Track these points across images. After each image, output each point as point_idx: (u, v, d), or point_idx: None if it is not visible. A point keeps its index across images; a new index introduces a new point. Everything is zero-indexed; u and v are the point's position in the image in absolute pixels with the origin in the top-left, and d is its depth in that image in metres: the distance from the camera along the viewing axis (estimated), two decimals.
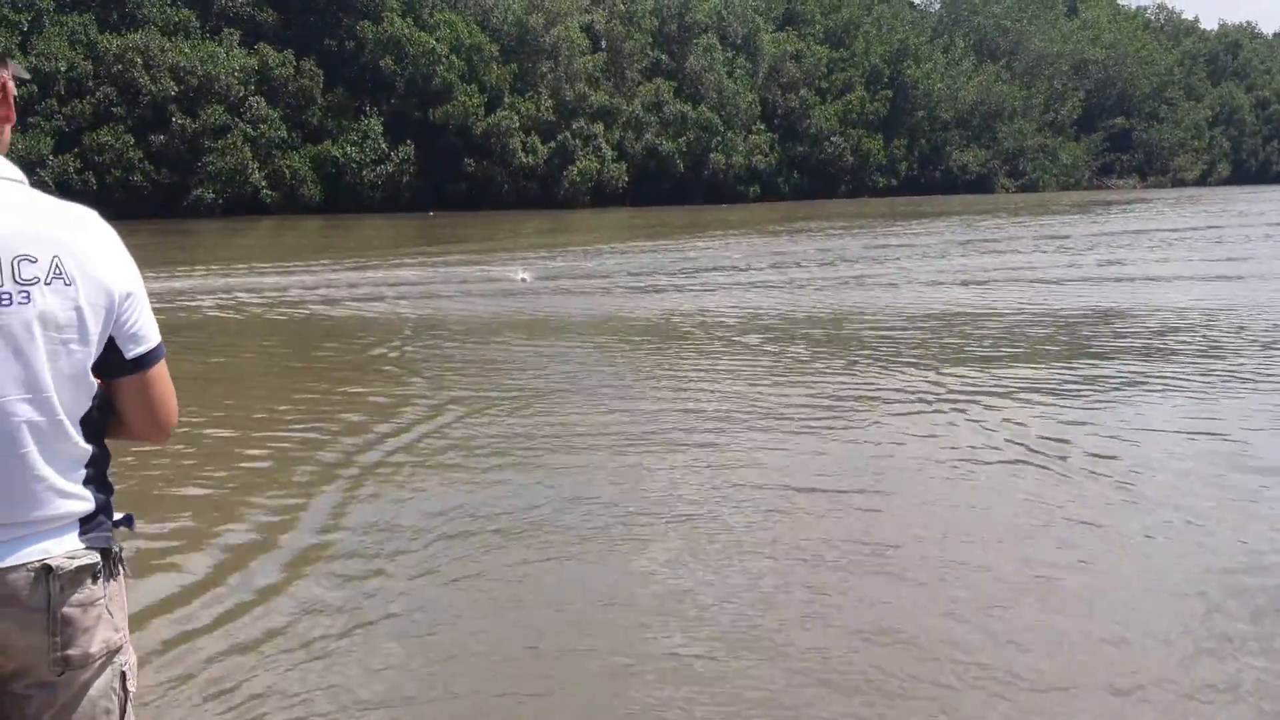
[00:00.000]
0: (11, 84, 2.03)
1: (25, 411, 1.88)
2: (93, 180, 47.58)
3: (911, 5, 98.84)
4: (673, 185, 67.27)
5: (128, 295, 1.97)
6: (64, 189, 46.38)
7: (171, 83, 49.40)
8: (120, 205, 48.30)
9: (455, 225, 44.63)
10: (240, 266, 24.57)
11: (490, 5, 63.54)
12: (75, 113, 47.52)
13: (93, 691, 1.99)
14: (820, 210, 55.80)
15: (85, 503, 1.98)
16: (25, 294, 1.85)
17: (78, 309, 1.90)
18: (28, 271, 1.86)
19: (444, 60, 58.12)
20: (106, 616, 2.00)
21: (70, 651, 1.94)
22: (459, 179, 59.58)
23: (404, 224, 46.20)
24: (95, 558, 1.98)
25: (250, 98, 53.14)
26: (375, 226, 44.42)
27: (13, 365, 1.86)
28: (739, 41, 74.21)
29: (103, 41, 48.73)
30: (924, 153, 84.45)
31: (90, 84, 48.06)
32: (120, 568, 2.06)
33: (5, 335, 1.85)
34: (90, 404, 1.97)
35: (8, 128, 2.05)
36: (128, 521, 2.11)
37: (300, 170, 54.32)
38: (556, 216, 53.37)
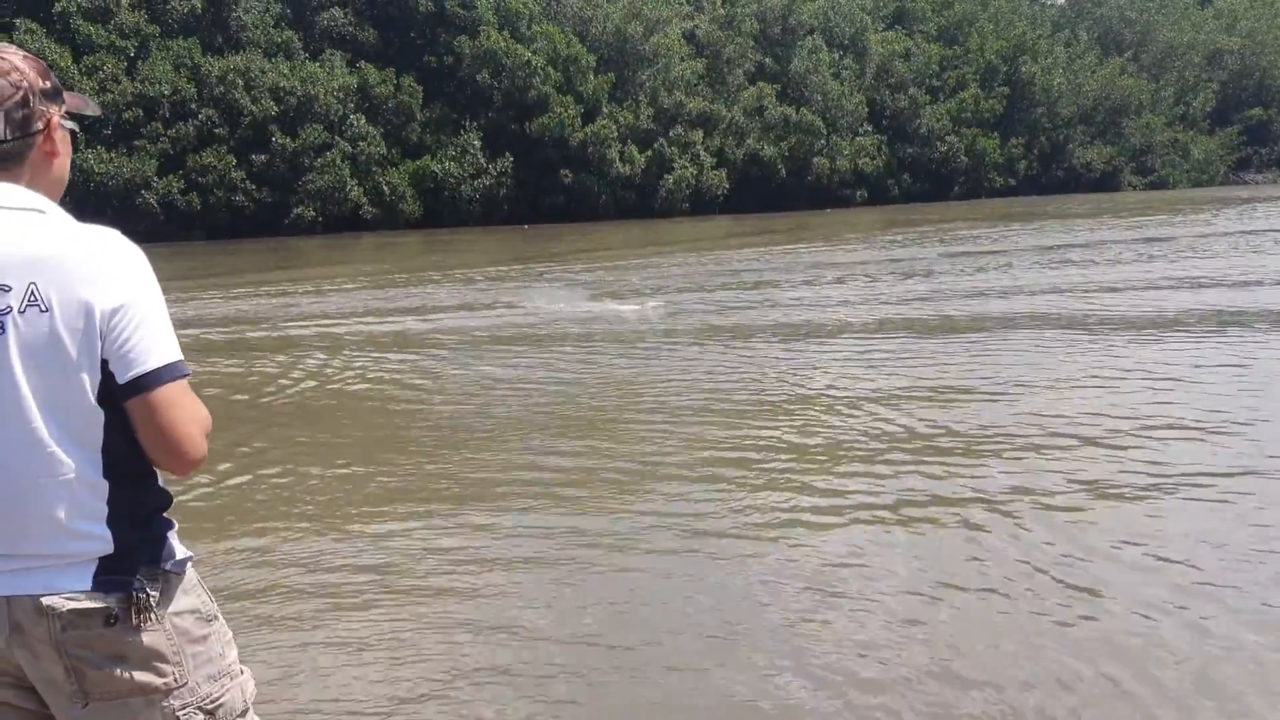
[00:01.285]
0: (59, 119, 2.04)
1: (14, 445, 1.85)
2: (196, 201, 48.65)
3: None
4: (774, 191, 65.83)
5: (114, 311, 1.88)
6: (169, 210, 47.82)
7: (272, 103, 50.24)
8: (224, 225, 49.57)
9: (549, 239, 44.18)
10: (335, 308, 24.32)
11: (589, 16, 63.25)
12: (179, 135, 48.64)
13: None
14: (952, 212, 53.59)
15: (98, 543, 1.92)
16: (0, 325, 1.84)
17: (54, 335, 1.86)
18: (2, 302, 1.85)
19: (540, 72, 57.96)
20: (142, 663, 1.96)
21: (87, 687, 1.94)
22: (556, 191, 59.32)
23: (502, 238, 45.98)
24: (105, 603, 1.92)
25: (350, 116, 53.80)
26: (472, 241, 44.22)
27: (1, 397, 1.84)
28: (846, 42, 72.30)
29: (205, 64, 49.82)
30: (1044, 151, 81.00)
31: (193, 106, 49.14)
32: (154, 615, 1.96)
33: None
34: (102, 434, 1.91)
35: (57, 161, 2.07)
36: (174, 565, 2.02)
37: (399, 186, 54.74)
38: (653, 226, 52.57)
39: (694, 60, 64.97)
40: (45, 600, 1.89)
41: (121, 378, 1.91)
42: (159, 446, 1.95)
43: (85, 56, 47.48)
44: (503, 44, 57.68)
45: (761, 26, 69.57)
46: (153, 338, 1.94)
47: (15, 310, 1.86)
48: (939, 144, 73.16)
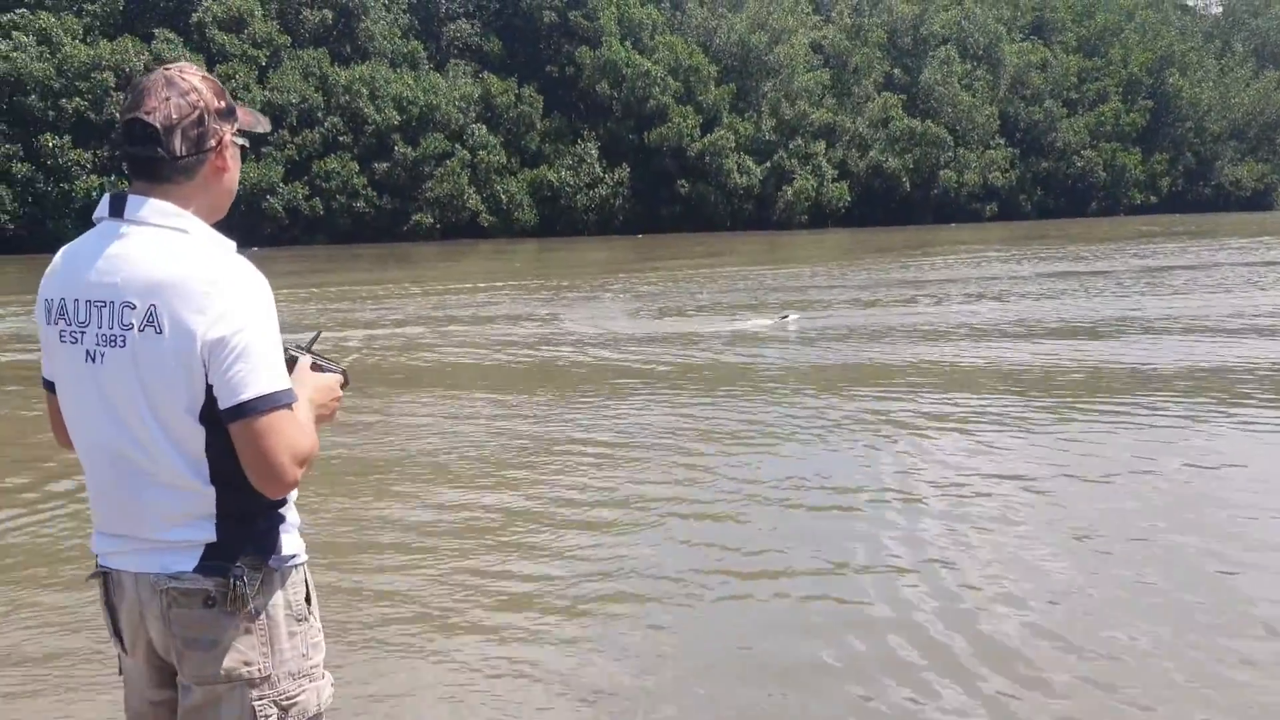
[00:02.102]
0: (231, 137, 2.16)
1: (131, 444, 2.07)
2: (319, 206, 49.92)
3: (1184, 9, 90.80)
4: (898, 204, 64.25)
5: (218, 342, 2.00)
6: (293, 215, 49.15)
7: (394, 112, 51.26)
8: (344, 230, 50.74)
9: (666, 246, 43.81)
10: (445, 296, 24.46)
11: (714, 26, 62.87)
12: (305, 142, 49.99)
13: (221, 712, 2.14)
14: (1095, 230, 51.34)
15: (204, 534, 2.10)
16: (123, 338, 2.04)
17: (166, 357, 2.02)
18: (128, 318, 2.03)
19: (660, 82, 57.79)
20: (231, 648, 2.11)
21: (184, 665, 2.13)
22: (673, 201, 59.04)
23: (617, 246, 45.85)
24: (204, 585, 2.09)
25: (470, 125, 54.52)
26: (586, 249, 44.19)
27: (119, 401, 2.06)
28: (980, 53, 70.14)
29: (333, 74, 51.13)
30: (1189, 168, 77.12)
31: (319, 115, 50.46)
32: (249, 604, 2.11)
33: (113, 372, 2.06)
34: (205, 447, 2.07)
35: (225, 177, 2.17)
36: (275, 559, 2.15)
37: (516, 195, 55.22)
38: (771, 238, 51.77)
39: (818, 71, 63.85)
40: (153, 577, 2.12)
41: (223, 404, 2.03)
42: (252, 469, 2.06)
43: (219, 65, 49.15)
44: (623, 54, 57.73)
45: (891, 37, 68.07)
46: (253, 369, 2.03)
47: (136, 328, 2.03)
48: (1075, 158, 70.39)
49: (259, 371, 2.04)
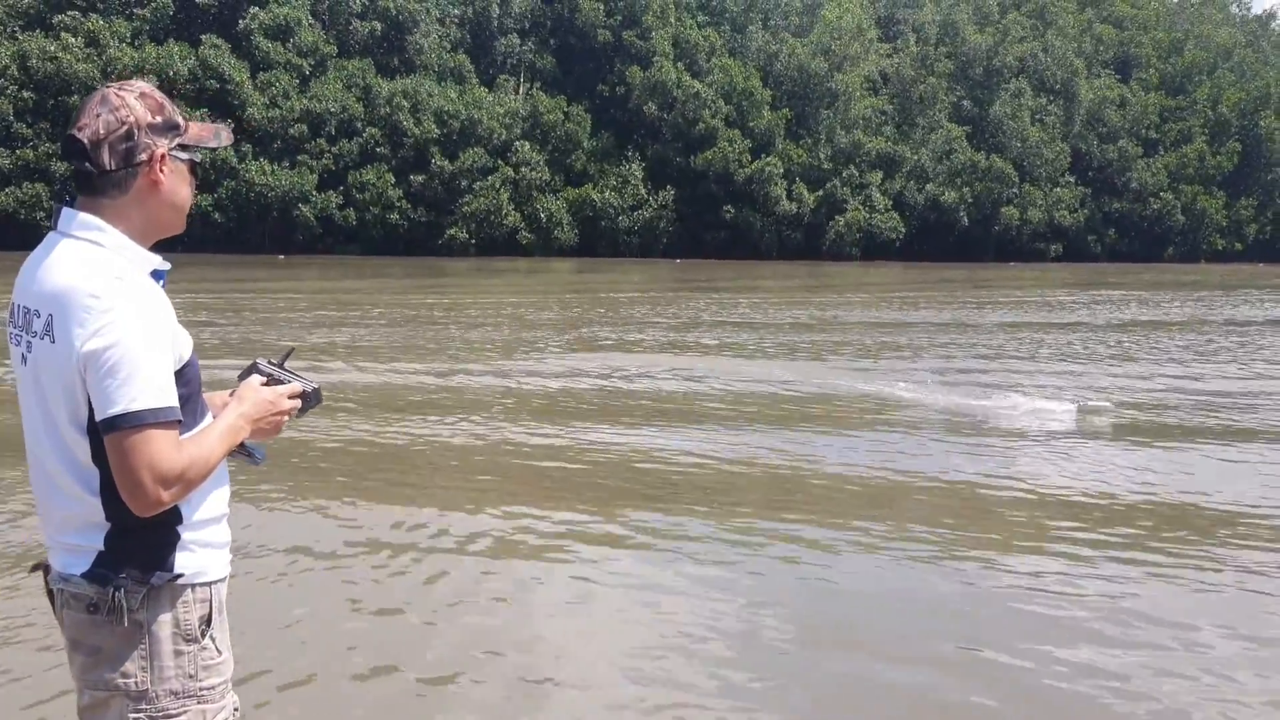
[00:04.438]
0: (168, 152, 2.16)
1: (39, 446, 2.14)
2: (353, 216, 49.83)
3: None
4: (957, 240, 61.96)
5: (93, 354, 2.01)
6: (326, 224, 49.08)
7: (434, 126, 50.98)
8: (378, 241, 50.59)
9: (709, 272, 42.60)
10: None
11: (775, 51, 61.56)
12: (342, 152, 49.99)
13: (105, 719, 2.16)
14: (1167, 275, 48.64)
15: (95, 542, 2.12)
16: (29, 345, 2.11)
17: (57, 366, 2.06)
18: (35, 325, 2.09)
19: (710, 105, 56.68)
20: (111, 659, 2.11)
21: (74, 669, 2.17)
22: (719, 226, 57.78)
23: (658, 270, 44.83)
24: (88, 591, 2.11)
25: (515, 141, 54.04)
26: (626, 270, 43.19)
27: (32, 406, 2.14)
28: (1057, 86, 67.45)
29: (376, 85, 51.12)
30: (1279, 214, 73.09)
31: (359, 125, 50.45)
32: (126, 617, 2.10)
33: (27, 376, 2.14)
34: (90, 457, 2.08)
35: (161, 190, 2.17)
36: (156, 577, 2.13)
37: (557, 213, 54.53)
38: (817, 269, 50.15)
39: (876, 98, 62.03)
40: (54, 576, 2.17)
41: (97, 416, 2.03)
42: (118, 485, 2.05)
43: (261, 73, 49.53)
44: (674, 75, 56.76)
45: (963, 67, 65.91)
46: (122, 385, 2.01)
47: (38, 336, 2.08)
48: (1152, 200, 67.13)
49: (128, 388, 2.01)
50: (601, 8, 58.24)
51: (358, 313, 20.99)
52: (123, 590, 2.10)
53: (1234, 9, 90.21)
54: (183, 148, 2.21)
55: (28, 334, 2.11)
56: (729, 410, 10.71)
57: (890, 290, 33.95)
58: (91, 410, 2.04)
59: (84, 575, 2.11)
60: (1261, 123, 71.48)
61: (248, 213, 48.20)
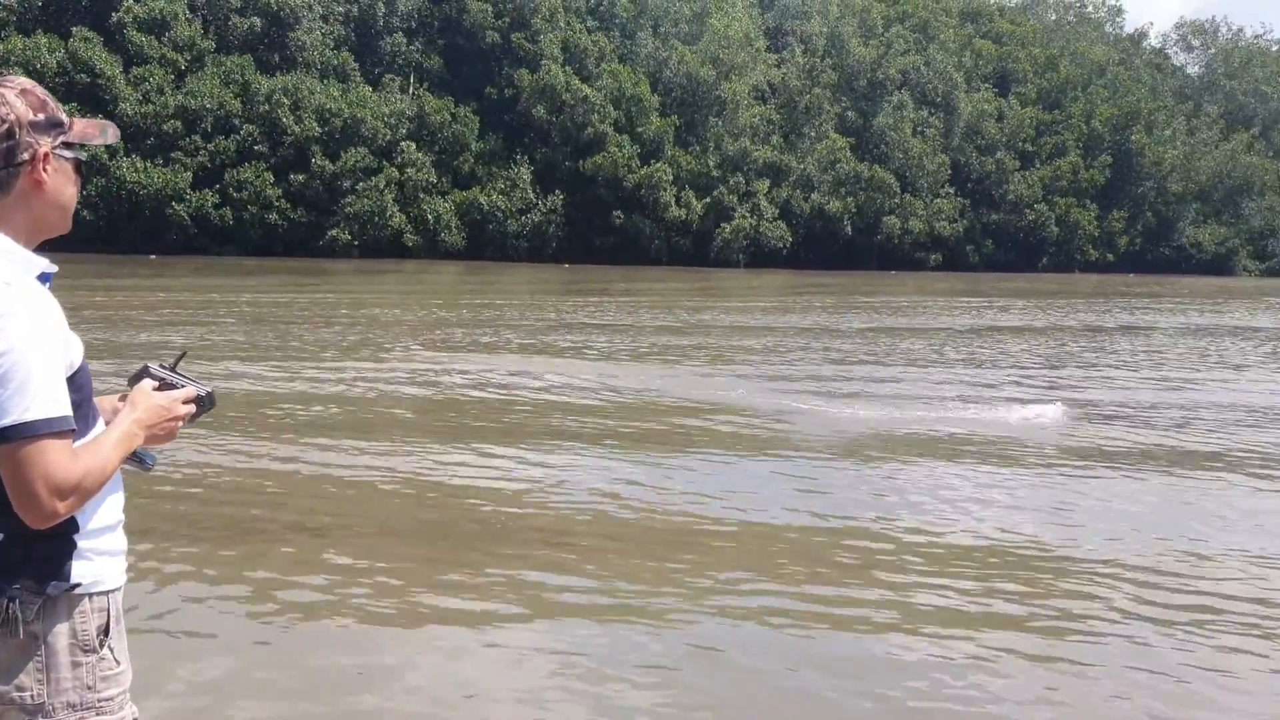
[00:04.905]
0: (52, 150, 2.11)
1: None
2: (229, 216, 48.53)
3: (1157, 67, 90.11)
4: (841, 248, 63.04)
5: None
6: (201, 223, 47.76)
7: (315, 124, 49.96)
8: (256, 242, 49.37)
9: (594, 277, 42.41)
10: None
11: (664, 58, 61.82)
12: (218, 149, 48.65)
13: None
14: (1040, 284, 50.05)
15: None
16: None
17: None
18: None
19: (599, 110, 56.67)
20: (9, 667, 2.06)
21: None
22: (608, 232, 57.78)
23: (547, 273, 44.45)
24: None
25: (401, 142, 53.27)
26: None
27: None
28: (938, 99, 69.13)
29: (256, 82, 49.91)
30: (1149, 227, 76.12)
31: (236, 122, 49.19)
32: (20, 629, 2.05)
33: None
34: None
35: (45, 189, 2.11)
36: (53, 586, 2.09)
37: (444, 216, 53.91)
38: (704, 275, 50.43)
39: (762, 106, 62.78)
40: None
41: None
42: (11, 496, 1.99)
43: (135, 67, 48.00)
44: (563, 79, 56.61)
45: (846, 79, 67.09)
46: (14, 395, 1.95)
47: None
48: (1027, 211, 69.24)
49: (20, 398, 1.95)
50: (490, 9, 57.80)
51: (207, 312, 20.42)
52: (17, 601, 2.05)
53: (1108, 28, 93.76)
54: (67, 146, 2.15)
55: None
56: (532, 420, 10.63)
57: (758, 296, 34.35)
58: None
59: None
60: (1133, 137, 74.33)
61: (118, 211, 46.57)
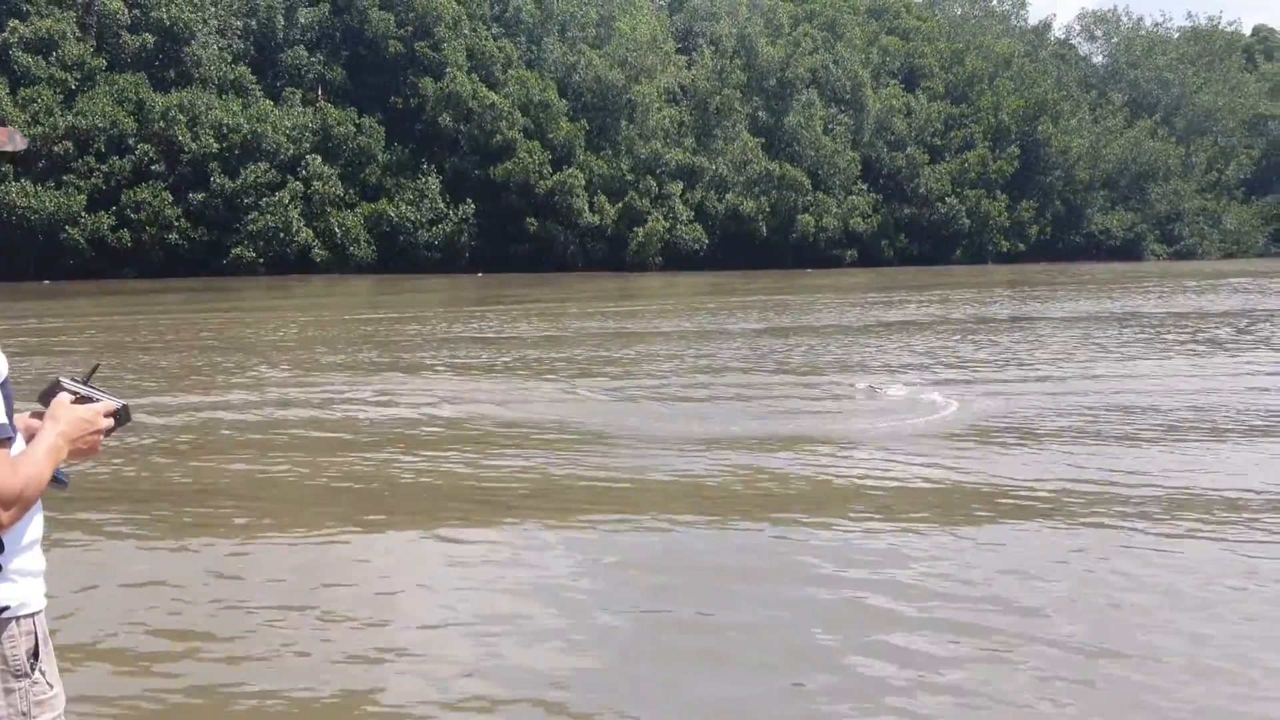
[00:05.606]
0: None
1: None
2: (128, 238, 47.36)
3: (1062, 58, 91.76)
4: (757, 249, 63.23)
5: None
6: (99, 247, 46.52)
7: (212, 140, 48.92)
8: (157, 263, 48.22)
9: (503, 287, 41.90)
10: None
11: (573, 63, 61.54)
12: (113, 170, 47.46)
13: None
14: (951, 277, 50.42)
15: None
16: None
17: None
18: None
19: (507, 117, 56.24)
20: None
21: None
22: (521, 239, 57.34)
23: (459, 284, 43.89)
24: None
25: (305, 155, 52.38)
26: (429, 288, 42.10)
27: None
28: (847, 96, 69.67)
29: (150, 100, 48.75)
30: (1059, 215, 77.43)
31: (131, 142, 48.00)
32: None
33: None
34: None
35: None
36: None
37: (352, 229, 53.10)
38: (622, 280, 50.20)
39: (673, 109, 62.76)
40: None
41: None
42: None
43: (23, 88, 46.64)
44: (469, 86, 56.08)
45: (757, 79, 67.32)
46: None
47: None
48: (939, 205, 70.04)
49: None
50: (392, 18, 57.09)
51: (58, 339, 19.72)
52: None
53: (1013, 20, 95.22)
54: None
55: None
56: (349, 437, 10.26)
57: (655, 299, 34.20)
58: None
59: None
60: (1040, 128, 75.56)
61: (10, 237, 45.17)
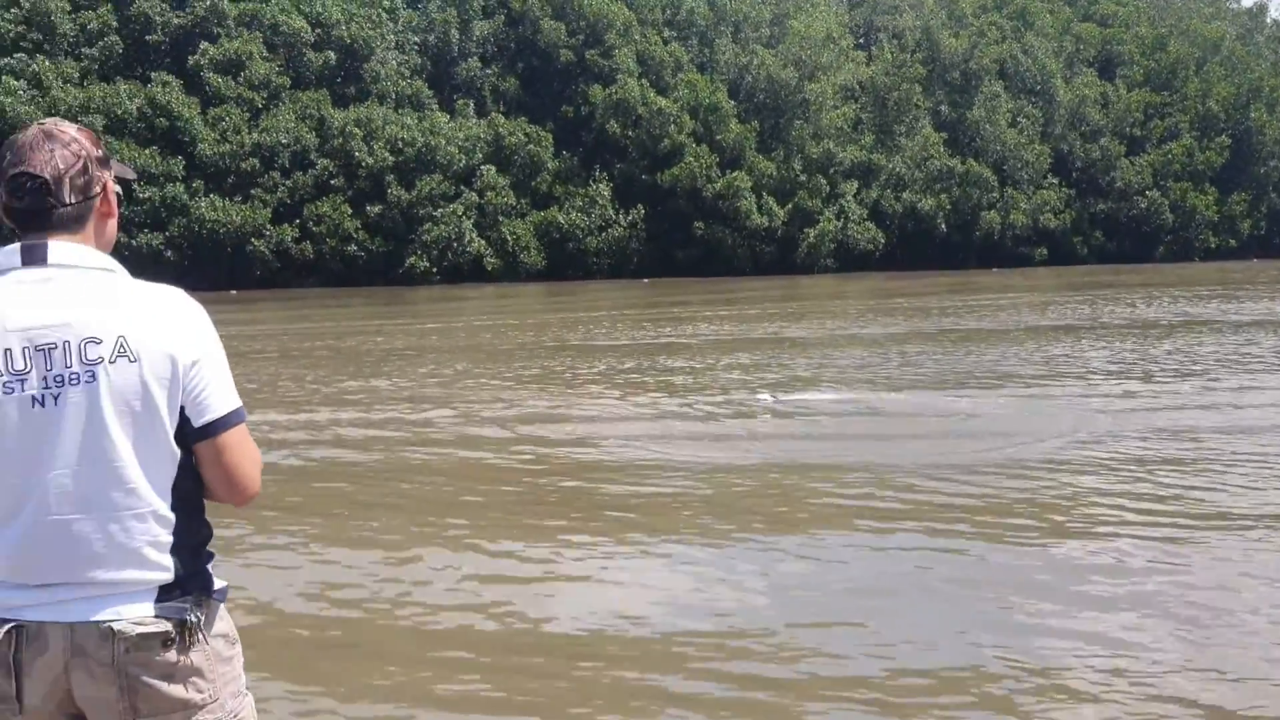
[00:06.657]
0: (112, 183, 2.21)
1: (99, 481, 2.04)
2: (310, 249, 49.06)
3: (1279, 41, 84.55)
4: (938, 248, 60.57)
5: (193, 364, 2.07)
6: (282, 258, 48.37)
7: (388, 154, 50.20)
8: (337, 273, 49.82)
9: (676, 292, 41.26)
10: None
11: (745, 63, 60.56)
12: (297, 184, 49.25)
13: None
14: (1158, 276, 47.06)
15: (164, 573, 2.09)
16: (91, 373, 2.02)
17: (141, 383, 2.04)
18: (93, 353, 2.03)
19: (675, 121, 55.71)
20: (186, 680, 2.11)
21: (138, 704, 2.08)
22: (690, 244, 56.64)
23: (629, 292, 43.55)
24: (165, 627, 2.08)
25: (479, 166, 53.18)
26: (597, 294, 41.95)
27: (84, 438, 2.02)
28: (1037, 87, 66.07)
29: (330, 115, 50.41)
30: (1275, 209, 71.28)
31: (312, 157, 49.74)
32: (200, 637, 2.13)
33: (75, 411, 2.02)
34: (175, 472, 2.09)
35: (111, 222, 2.22)
36: (217, 593, 2.19)
37: (523, 237, 53.56)
38: (790, 283, 48.82)
39: (849, 106, 60.87)
40: (115, 625, 2.04)
41: (196, 422, 2.08)
42: (223, 483, 2.14)
43: (212, 108, 48.96)
44: (638, 92, 55.83)
45: (939, 72, 64.63)
46: (221, 387, 2.11)
47: (106, 360, 2.02)
48: (1138, 199, 65.51)
49: (226, 389, 2.12)
50: (564, 28, 57.45)
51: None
52: (194, 614, 2.12)
53: (1225, 2, 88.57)
54: (114, 179, 2.24)
55: (63, 367, 2.01)
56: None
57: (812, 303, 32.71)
58: (184, 419, 2.06)
59: (157, 613, 2.08)
60: (1253, 114, 69.83)
61: (201, 250, 47.48)
